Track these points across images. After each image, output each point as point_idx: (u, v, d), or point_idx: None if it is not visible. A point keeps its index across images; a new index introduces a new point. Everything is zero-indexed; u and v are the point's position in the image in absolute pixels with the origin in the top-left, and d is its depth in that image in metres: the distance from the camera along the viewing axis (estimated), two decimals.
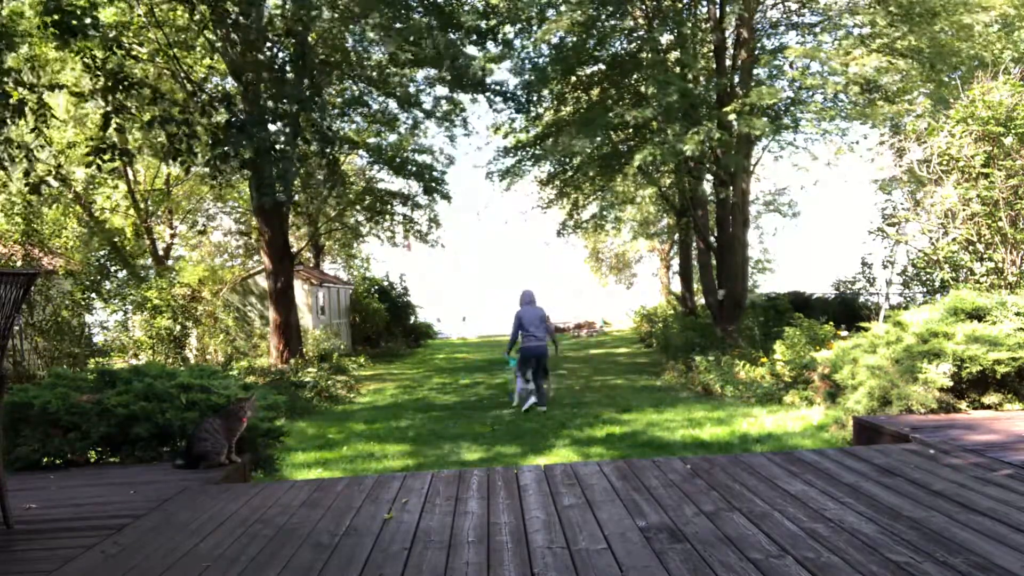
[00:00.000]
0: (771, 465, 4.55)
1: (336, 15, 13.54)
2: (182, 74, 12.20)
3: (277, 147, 10.74)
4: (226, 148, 9.54)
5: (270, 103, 11.37)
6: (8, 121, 7.52)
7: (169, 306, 14.47)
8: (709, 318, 16.73)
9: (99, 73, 8.52)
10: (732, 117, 12.40)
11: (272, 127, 11.29)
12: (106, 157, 8.78)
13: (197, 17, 10.10)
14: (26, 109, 7.66)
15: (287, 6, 12.00)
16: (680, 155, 12.27)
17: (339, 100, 17.22)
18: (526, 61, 16.55)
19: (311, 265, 26.33)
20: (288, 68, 12.30)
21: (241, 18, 9.95)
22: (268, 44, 11.95)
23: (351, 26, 14.37)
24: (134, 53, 10.01)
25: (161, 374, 5.96)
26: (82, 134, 16.13)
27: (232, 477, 5.04)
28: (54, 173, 9.12)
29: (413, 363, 19.94)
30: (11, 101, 7.36)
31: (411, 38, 14.00)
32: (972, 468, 4.27)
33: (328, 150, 13.76)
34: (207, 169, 9.90)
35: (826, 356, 8.55)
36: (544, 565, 3.00)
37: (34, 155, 8.35)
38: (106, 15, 11.32)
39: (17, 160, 7.98)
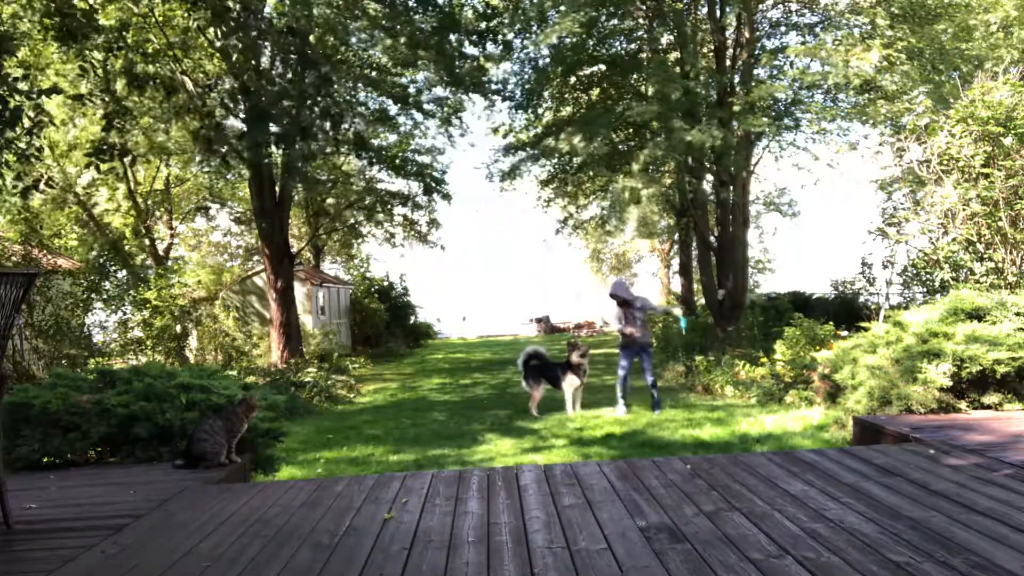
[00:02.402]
0: (771, 465, 4.55)
1: (335, 10, 13.53)
2: (185, 75, 12.21)
3: (305, 128, 10.69)
4: (254, 133, 9.52)
5: (276, 98, 11.36)
6: (7, 129, 7.50)
7: (168, 307, 14.47)
8: (709, 318, 16.73)
9: (99, 74, 8.53)
10: (736, 108, 12.41)
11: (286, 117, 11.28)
12: (105, 157, 8.78)
13: (197, 18, 10.10)
14: (23, 116, 7.63)
15: (287, 7, 12.00)
16: (687, 146, 12.22)
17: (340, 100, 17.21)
18: (526, 63, 16.57)
19: (311, 265, 26.33)
20: (289, 67, 12.31)
21: (241, 17, 9.95)
22: (268, 45, 11.95)
23: (350, 25, 14.35)
24: (141, 50, 10.00)
25: (161, 374, 5.96)
26: (83, 135, 16.12)
27: (232, 477, 5.04)
28: (45, 179, 9.14)
29: (413, 363, 19.94)
30: (9, 107, 7.34)
31: (411, 37, 14.00)
32: (972, 468, 4.27)
33: (362, 149, 13.80)
34: (226, 160, 9.92)
35: (826, 356, 8.54)
36: (544, 565, 3.00)
37: (28, 160, 8.34)
38: (106, 15, 11.31)
39: (12, 166, 7.97)
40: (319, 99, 11.60)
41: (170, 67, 12.34)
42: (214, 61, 13.52)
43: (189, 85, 12.62)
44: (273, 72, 11.48)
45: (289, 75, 12.04)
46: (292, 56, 11.72)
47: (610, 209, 18.39)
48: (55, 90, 8.88)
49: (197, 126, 8.77)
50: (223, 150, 9.19)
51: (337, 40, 14.66)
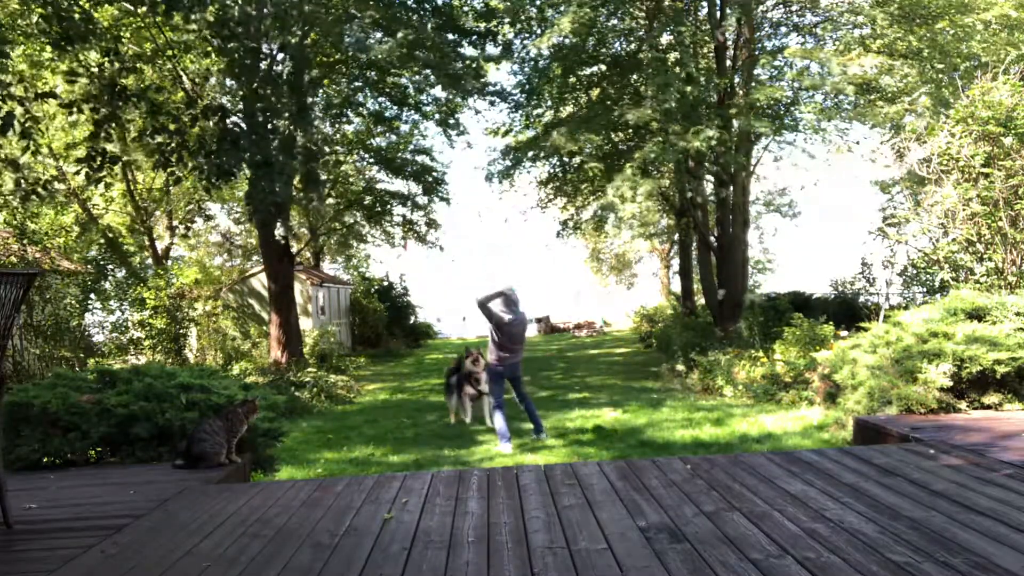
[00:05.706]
0: (771, 465, 4.55)
1: (332, 15, 13.49)
2: (182, 75, 12.19)
3: (272, 161, 10.58)
4: (222, 159, 9.47)
5: (266, 115, 11.29)
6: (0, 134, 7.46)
7: (166, 307, 14.45)
8: (709, 318, 16.72)
9: (94, 80, 8.50)
10: (734, 111, 12.40)
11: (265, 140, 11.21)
12: (96, 164, 8.75)
13: (194, 22, 10.04)
14: (14, 122, 7.57)
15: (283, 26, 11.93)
16: (682, 152, 12.25)
17: (337, 100, 17.19)
18: (526, 64, 16.56)
19: (311, 265, 26.31)
20: (285, 79, 12.25)
21: (240, 28, 9.93)
22: (265, 54, 11.90)
23: (346, 25, 14.32)
24: (129, 62, 9.98)
25: (161, 374, 5.96)
26: (79, 135, 16.10)
27: (232, 477, 5.04)
28: (43, 183, 9.09)
29: (413, 363, 19.94)
30: (1, 112, 7.29)
31: (408, 37, 13.97)
32: (972, 468, 4.27)
33: (311, 165, 13.68)
34: (200, 177, 9.80)
35: (826, 356, 8.55)
36: (544, 565, 3.00)
37: (24, 166, 8.33)
38: (103, 15, 11.27)
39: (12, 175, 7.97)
40: (303, 126, 11.47)
41: (165, 68, 12.30)
42: (212, 60, 13.48)
43: (188, 84, 12.64)
44: (267, 85, 11.38)
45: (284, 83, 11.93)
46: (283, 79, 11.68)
47: (607, 209, 18.36)
48: (50, 95, 8.85)
49: (165, 141, 8.67)
50: (168, 170, 9.06)
51: (334, 38, 14.63)
